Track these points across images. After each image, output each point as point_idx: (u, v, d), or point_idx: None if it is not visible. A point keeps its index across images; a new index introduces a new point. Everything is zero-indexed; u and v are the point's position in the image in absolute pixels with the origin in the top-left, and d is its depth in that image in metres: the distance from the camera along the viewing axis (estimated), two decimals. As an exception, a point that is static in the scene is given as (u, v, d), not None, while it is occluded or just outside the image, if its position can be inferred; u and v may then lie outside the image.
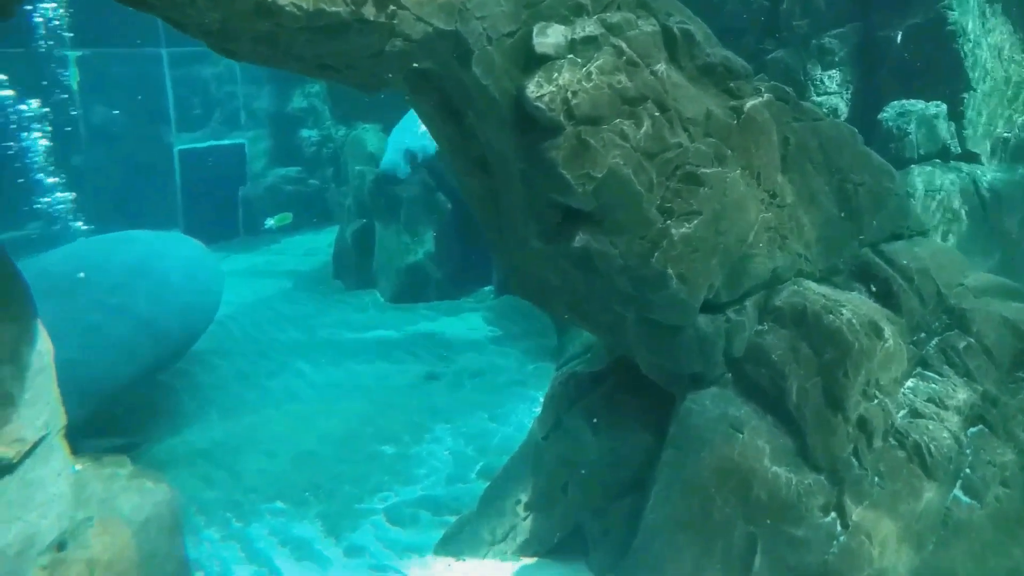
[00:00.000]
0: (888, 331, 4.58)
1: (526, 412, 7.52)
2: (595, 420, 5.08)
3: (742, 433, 4.50)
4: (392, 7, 3.63)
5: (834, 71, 8.21)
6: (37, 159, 14.26)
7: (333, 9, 3.47)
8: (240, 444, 7.30)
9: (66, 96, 14.26)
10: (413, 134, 11.06)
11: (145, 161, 16.07)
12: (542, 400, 5.66)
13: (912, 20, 7.79)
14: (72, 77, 14.73)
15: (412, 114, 10.68)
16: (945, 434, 4.55)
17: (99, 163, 15.11)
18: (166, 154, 16.18)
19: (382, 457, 6.99)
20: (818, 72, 8.24)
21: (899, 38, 7.87)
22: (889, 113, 7.56)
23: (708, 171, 4.41)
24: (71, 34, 14.31)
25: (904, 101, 7.59)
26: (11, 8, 3.70)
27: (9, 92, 12.96)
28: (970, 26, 7.57)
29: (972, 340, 4.93)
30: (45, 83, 13.43)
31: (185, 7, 3.35)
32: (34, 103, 13.25)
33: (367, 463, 6.88)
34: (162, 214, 15.80)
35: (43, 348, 3.65)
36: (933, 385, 4.77)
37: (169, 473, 5.70)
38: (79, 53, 14.80)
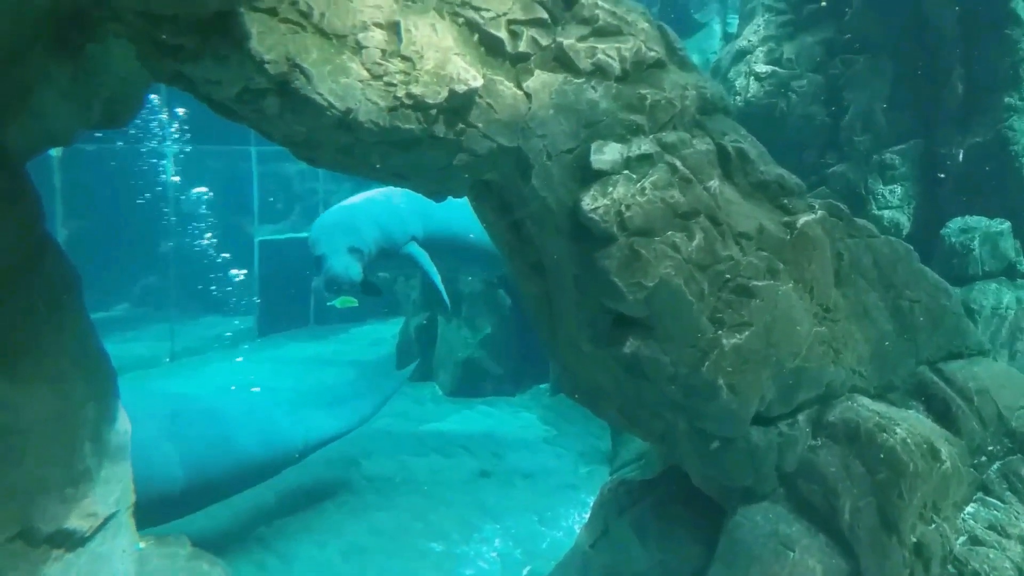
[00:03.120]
0: (945, 452, 4.48)
1: (576, 517, 7.43)
2: (644, 530, 5.03)
3: (793, 551, 4.40)
4: (461, 125, 3.94)
5: (896, 186, 8.25)
6: (129, 245, 15.25)
7: (407, 126, 3.78)
8: (293, 531, 7.40)
9: (160, 188, 15.31)
10: (350, 231, 9.27)
11: (227, 250, 16.94)
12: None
13: (974, 139, 7.85)
14: (168, 170, 15.83)
15: (337, 211, 10.01)
16: (1007, 564, 4.35)
17: (185, 250, 16.03)
18: (247, 244, 17.02)
19: (430, 555, 6.97)
20: (879, 187, 8.29)
21: (961, 156, 7.92)
22: (952, 229, 7.53)
23: (760, 284, 4.49)
24: (170, 131, 15.52)
25: (967, 217, 7.57)
26: (127, 118, 4.18)
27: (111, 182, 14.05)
28: (1033, 145, 7.61)
29: (1036, 466, 4.78)
30: (143, 176, 14.49)
31: (274, 120, 3.72)
32: (131, 194, 14.31)
33: (415, 560, 6.86)
34: (240, 301, 16.53)
35: (122, 427, 3.89)
36: (995, 512, 4.60)
37: (224, 556, 5.82)
38: (176, 149, 15.95)
